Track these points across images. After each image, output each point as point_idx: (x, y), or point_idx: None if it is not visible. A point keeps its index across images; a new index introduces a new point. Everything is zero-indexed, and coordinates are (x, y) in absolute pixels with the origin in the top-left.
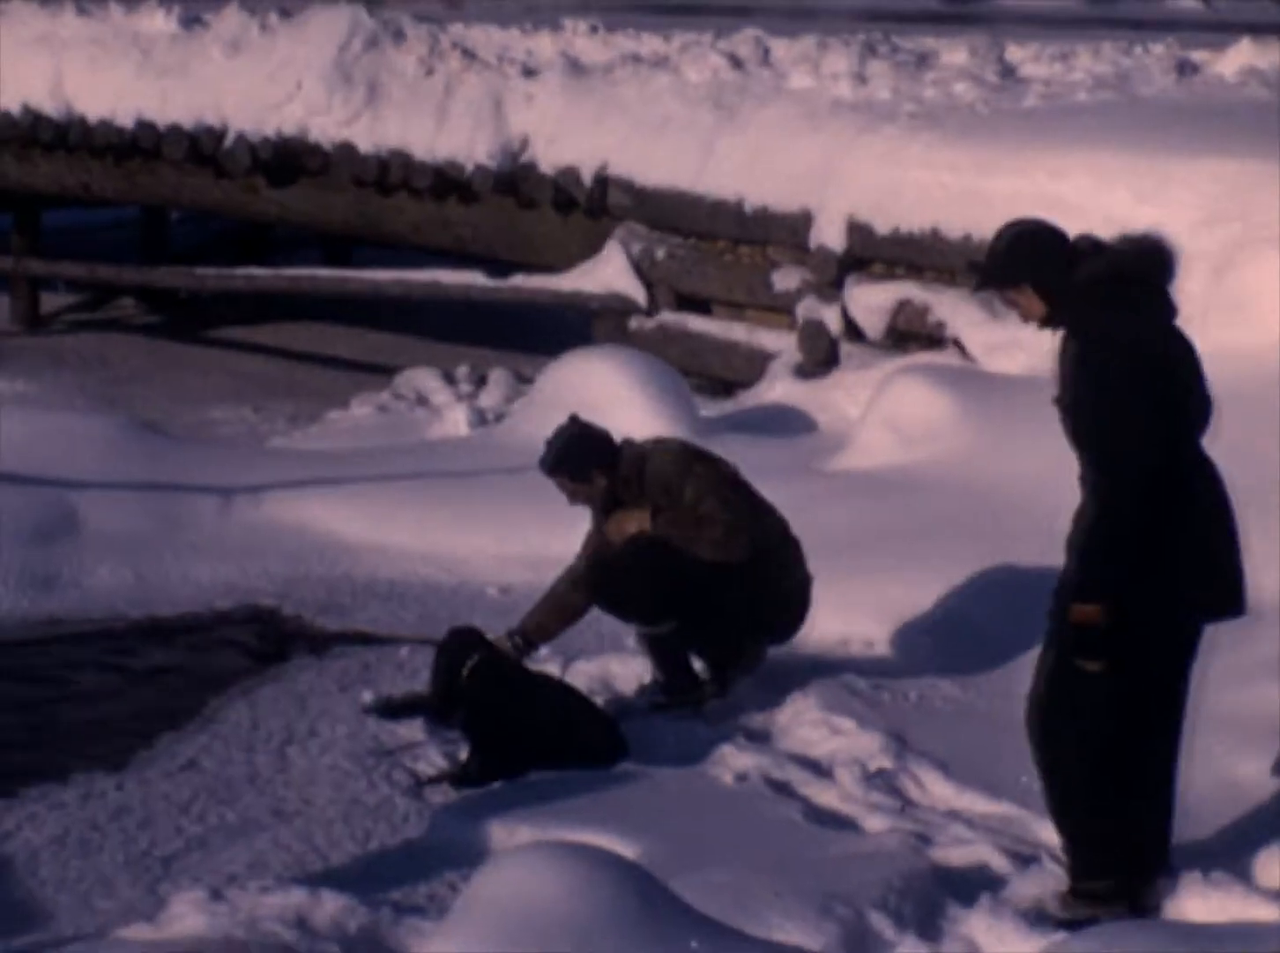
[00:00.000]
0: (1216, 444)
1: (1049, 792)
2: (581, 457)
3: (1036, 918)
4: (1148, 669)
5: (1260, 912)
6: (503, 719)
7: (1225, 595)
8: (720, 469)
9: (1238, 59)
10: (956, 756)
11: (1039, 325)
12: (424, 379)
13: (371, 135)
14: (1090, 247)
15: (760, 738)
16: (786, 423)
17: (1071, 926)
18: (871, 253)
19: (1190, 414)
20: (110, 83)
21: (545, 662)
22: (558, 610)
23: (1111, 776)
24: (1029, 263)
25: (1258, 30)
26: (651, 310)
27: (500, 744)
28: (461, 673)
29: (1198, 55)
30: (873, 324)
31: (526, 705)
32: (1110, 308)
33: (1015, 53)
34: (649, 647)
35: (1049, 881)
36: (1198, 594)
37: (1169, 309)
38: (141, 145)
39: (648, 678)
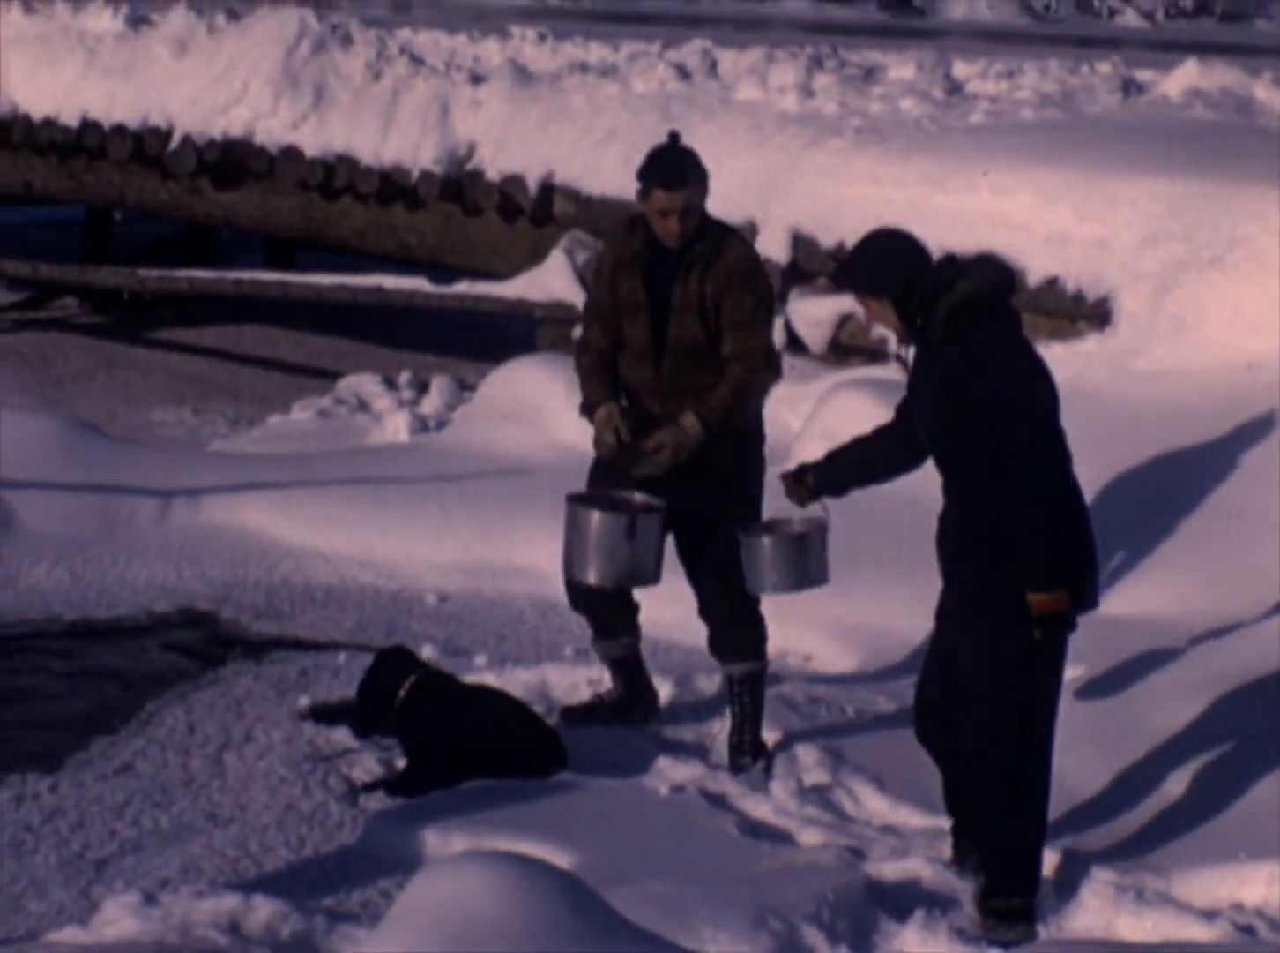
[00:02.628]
0: (1153, 461)
1: (974, 808)
2: (702, 167)
3: (970, 934)
4: (1055, 668)
5: (1194, 931)
6: (442, 737)
7: (1093, 589)
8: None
9: (1183, 80)
10: (891, 770)
11: (899, 342)
12: (366, 385)
13: (317, 139)
14: (954, 269)
15: (696, 751)
16: None
17: (1007, 944)
18: (815, 266)
19: (1060, 437)
20: (55, 81)
21: (482, 671)
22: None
23: (1029, 788)
24: (894, 277)
25: (1203, 49)
26: None
27: (439, 758)
28: (398, 693)
29: (1143, 75)
30: (815, 337)
31: (466, 721)
32: (979, 330)
33: (962, 69)
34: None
35: None
36: (1082, 588)
37: (1019, 325)
38: (86, 145)
39: (588, 686)
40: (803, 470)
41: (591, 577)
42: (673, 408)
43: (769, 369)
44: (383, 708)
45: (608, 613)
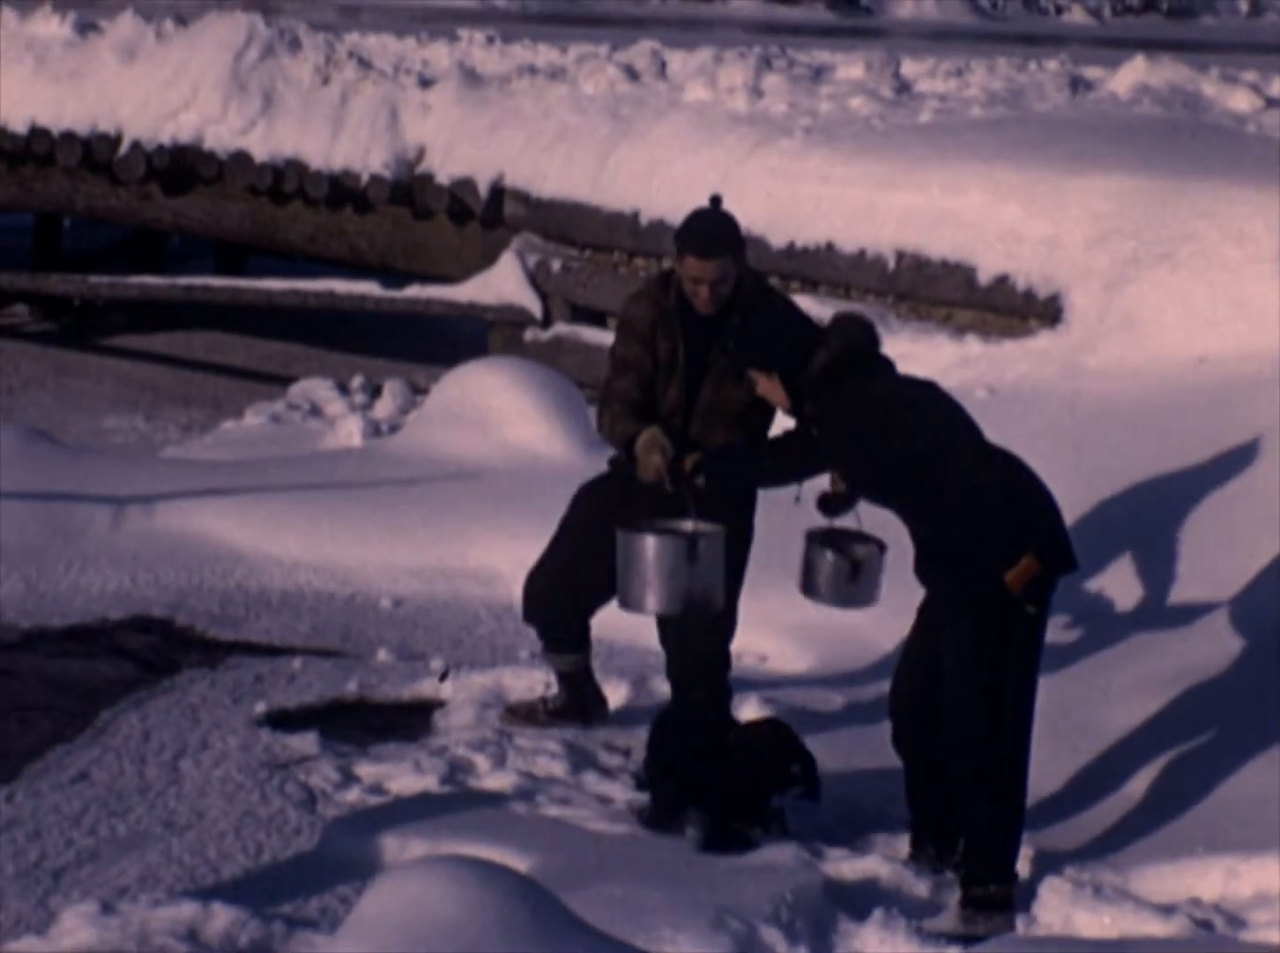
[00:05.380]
0: (1105, 458)
1: (954, 799)
2: (738, 235)
3: (929, 932)
4: (1038, 637)
5: (1152, 927)
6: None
7: (1063, 554)
8: None
9: (1131, 76)
10: (847, 768)
11: (789, 414)
12: (318, 389)
13: (267, 144)
14: (823, 338)
15: None
16: None
17: (965, 941)
18: (766, 266)
19: (963, 433)
20: (3, 88)
21: (438, 676)
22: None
23: (1008, 777)
24: (773, 356)
25: (1150, 46)
26: (547, 322)
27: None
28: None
29: (1091, 72)
30: None
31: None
32: (848, 383)
33: (910, 68)
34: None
35: (941, 894)
36: (1051, 548)
37: (891, 366)
38: (35, 151)
39: (543, 690)
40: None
41: (652, 605)
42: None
43: None
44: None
45: (560, 629)
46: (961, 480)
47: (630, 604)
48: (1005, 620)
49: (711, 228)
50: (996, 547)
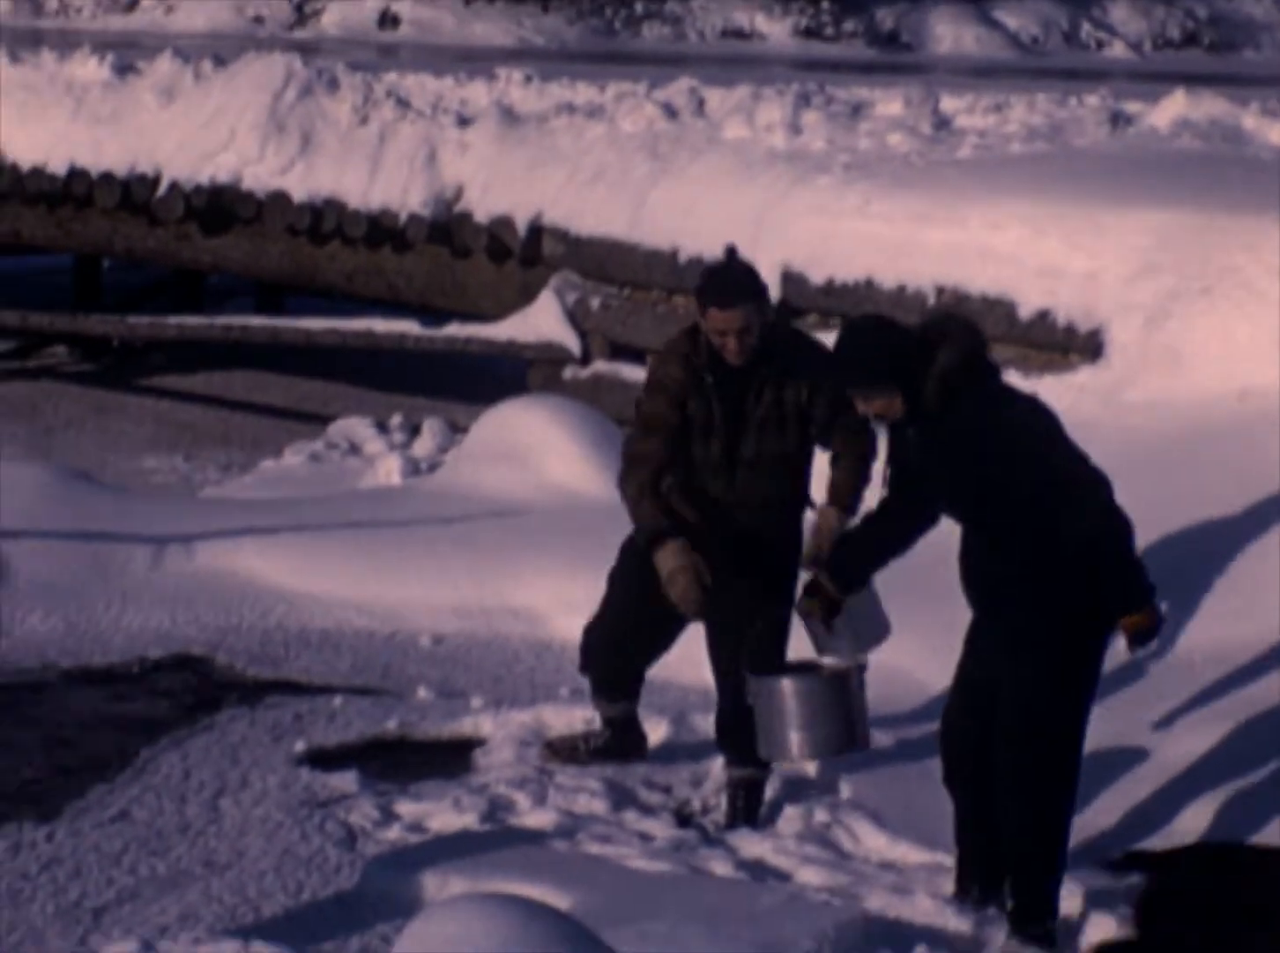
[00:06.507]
0: (1148, 492)
1: (1005, 835)
2: (759, 283)
3: None
4: (1095, 677)
5: None
6: None
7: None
8: None
9: (1171, 110)
10: (889, 806)
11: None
12: (357, 428)
13: (305, 184)
14: (936, 336)
15: (693, 789)
16: None
17: None
18: (806, 303)
19: (1086, 468)
20: (43, 130)
21: (478, 714)
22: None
23: (1062, 815)
24: (897, 369)
25: (1190, 80)
26: (586, 360)
27: None
28: None
29: (1131, 107)
30: None
31: None
32: (970, 391)
33: (950, 104)
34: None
35: (984, 932)
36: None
37: (999, 372)
38: (74, 193)
39: (584, 727)
40: (814, 582)
41: (800, 752)
42: (744, 519)
43: (870, 439)
44: None
45: (615, 682)
46: (1097, 513)
47: (778, 755)
48: (1076, 658)
49: (729, 278)
50: (1131, 587)
